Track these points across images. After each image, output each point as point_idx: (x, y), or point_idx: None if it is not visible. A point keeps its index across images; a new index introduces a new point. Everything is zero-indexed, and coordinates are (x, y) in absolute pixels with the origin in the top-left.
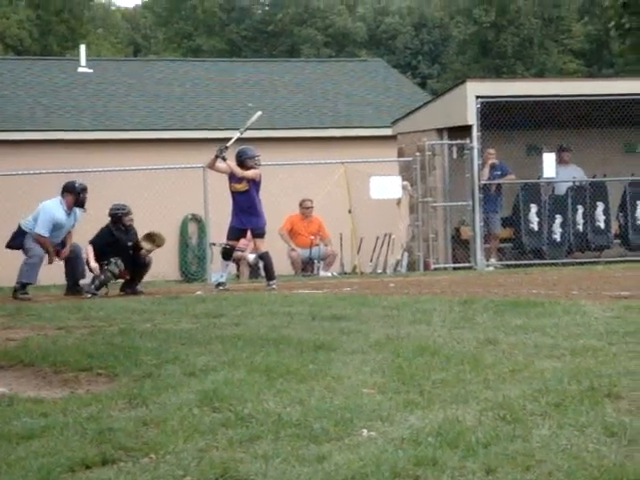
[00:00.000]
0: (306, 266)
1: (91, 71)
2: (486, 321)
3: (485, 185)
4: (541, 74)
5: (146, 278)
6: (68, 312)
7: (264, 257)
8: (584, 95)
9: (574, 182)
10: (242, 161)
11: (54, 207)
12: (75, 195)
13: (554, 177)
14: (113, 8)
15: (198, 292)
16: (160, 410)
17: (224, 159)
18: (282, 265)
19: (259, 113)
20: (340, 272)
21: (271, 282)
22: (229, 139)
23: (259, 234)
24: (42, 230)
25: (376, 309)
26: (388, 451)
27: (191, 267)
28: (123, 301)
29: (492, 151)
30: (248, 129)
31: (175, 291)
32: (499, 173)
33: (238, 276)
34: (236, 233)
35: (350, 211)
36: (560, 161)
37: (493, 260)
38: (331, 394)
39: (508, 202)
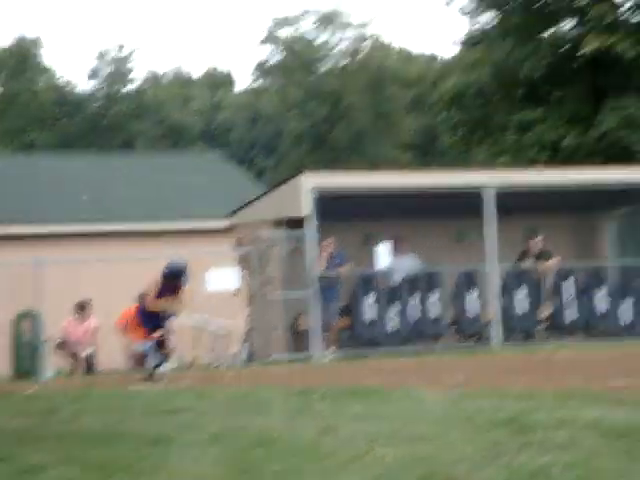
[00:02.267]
0: (143, 360)
1: None
2: (325, 409)
3: (322, 275)
4: (374, 166)
5: None
6: None
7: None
8: (416, 187)
9: (409, 272)
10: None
11: None
12: None
13: (388, 267)
14: None
15: (31, 390)
16: None
17: None
18: (119, 359)
19: None
20: (178, 365)
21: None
22: (62, 234)
23: None
24: None
25: (214, 401)
26: None
27: (24, 363)
28: None
29: (330, 240)
30: None
31: (6, 389)
32: (338, 261)
33: (72, 371)
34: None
35: None
36: (396, 250)
37: (332, 349)
38: None
39: (346, 291)
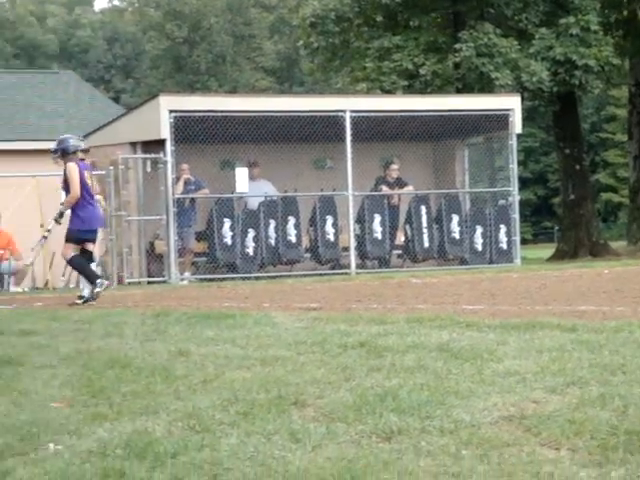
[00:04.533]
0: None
1: None
2: (178, 333)
3: (179, 199)
4: (234, 91)
5: None
6: None
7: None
8: (275, 111)
9: (266, 197)
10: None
11: None
12: None
13: (247, 192)
14: None
15: None
16: None
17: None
18: None
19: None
20: (31, 287)
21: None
22: None
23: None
24: None
25: (67, 323)
26: (75, 464)
27: None
28: None
29: (185, 166)
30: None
31: None
32: (193, 187)
33: None
34: None
35: (42, 225)
36: (250, 176)
37: (187, 274)
38: (17, 409)
39: (202, 216)
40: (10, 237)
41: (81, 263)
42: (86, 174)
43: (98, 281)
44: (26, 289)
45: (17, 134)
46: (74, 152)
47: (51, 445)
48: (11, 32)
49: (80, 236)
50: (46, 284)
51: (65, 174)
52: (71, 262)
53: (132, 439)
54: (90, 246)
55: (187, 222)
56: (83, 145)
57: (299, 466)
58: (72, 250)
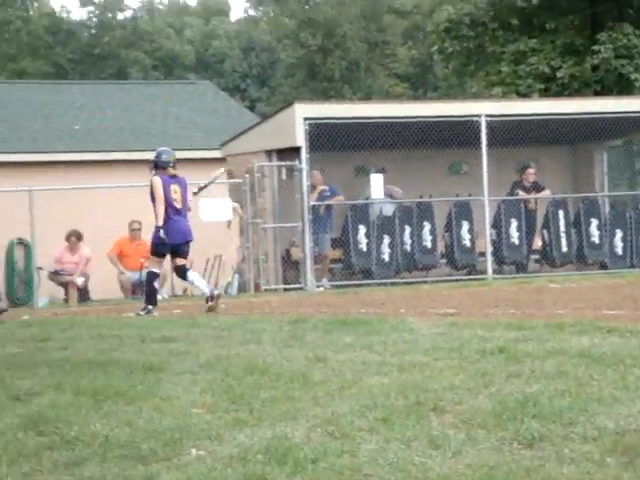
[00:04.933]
0: (135, 289)
1: None
2: (315, 339)
3: (314, 206)
4: (368, 97)
5: None
6: None
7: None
8: (409, 117)
9: (400, 203)
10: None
11: None
12: None
13: (382, 198)
14: None
15: (25, 316)
16: None
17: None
18: (112, 289)
19: (221, 170)
20: (170, 294)
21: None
22: (55, 162)
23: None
24: None
25: (206, 330)
26: (217, 469)
27: (18, 292)
28: None
29: (315, 173)
30: (208, 184)
31: (1, 316)
32: (328, 194)
33: (66, 300)
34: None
35: None
36: (389, 182)
37: (325, 280)
38: (160, 415)
39: (337, 223)
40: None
41: (151, 282)
42: (172, 188)
43: (150, 307)
44: (165, 296)
45: (155, 144)
46: (164, 167)
47: (193, 450)
48: (150, 44)
49: (159, 250)
50: (185, 291)
51: (151, 186)
52: (147, 275)
53: (272, 444)
54: (179, 261)
55: (323, 229)
56: (173, 160)
57: (439, 473)
58: (154, 263)
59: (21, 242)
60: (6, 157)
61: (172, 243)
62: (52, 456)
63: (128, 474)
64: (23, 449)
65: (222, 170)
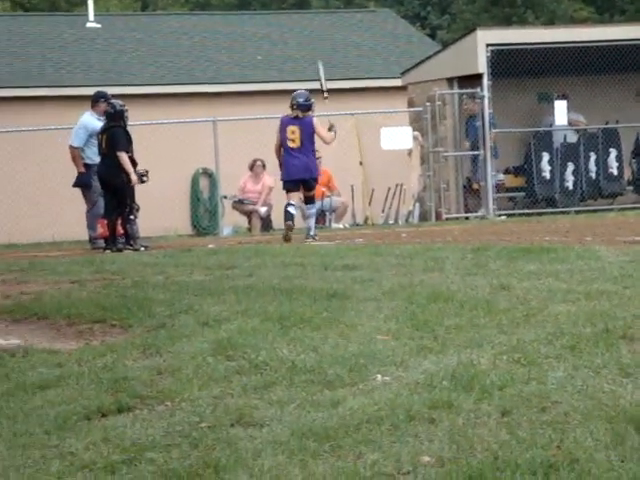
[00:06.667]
0: (317, 218)
1: (99, 26)
2: (499, 268)
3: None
4: (551, 22)
5: (159, 232)
6: (81, 266)
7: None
8: (593, 41)
9: (586, 129)
10: (310, 106)
11: (86, 118)
12: (106, 103)
13: (566, 125)
14: None
15: (210, 245)
16: (174, 359)
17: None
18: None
19: (320, 63)
20: (352, 224)
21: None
22: (238, 93)
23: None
24: (75, 141)
25: (388, 258)
26: (403, 395)
27: (203, 221)
28: (135, 255)
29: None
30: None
31: (187, 244)
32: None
33: (250, 229)
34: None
35: (361, 162)
36: (572, 108)
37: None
38: (345, 341)
39: (520, 150)
40: (330, 175)
41: (286, 211)
42: (290, 128)
43: (288, 222)
44: (347, 225)
45: (337, 73)
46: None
47: (379, 376)
48: None
49: (284, 187)
50: (366, 220)
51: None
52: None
53: (458, 371)
54: (304, 194)
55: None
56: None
57: (630, 400)
58: (289, 198)
59: (205, 172)
60: (190, 88)
61: (288, 179)
62: (241, 380)
63: (315, 399)
64: (213, 373)
65: (320, 65)
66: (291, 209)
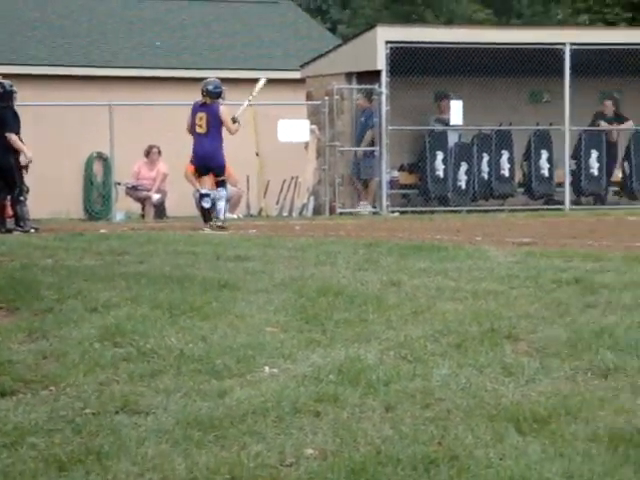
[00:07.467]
0: (210, 209)
1: None
2: (390, 264)
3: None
4: (450, 22)
5: (50, 215)
6: None
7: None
8: (492, 43)
9: (480, 130)
10: (219, 94)
11: None
12: None
13: (461, 124)
14: None
15: (102, 230)
16: (61, 344)
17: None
18: (188, 207)
19: (264, 80)
20: (246, 214)
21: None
22: (136, 78)
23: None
24: None
25: (281, 250)
26: (289, 387)
27: (95, 205)
28: (24, 237)
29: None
30: (254, 97)
31: (79, 228)
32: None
33: (143, 216)
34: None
35: (257, 154)
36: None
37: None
38: (234, 332)
39: (414, 148)
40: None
41: (201, 207)
42: (198, 114)
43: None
44: (240, 216)
45: (235, 64)
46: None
47: (266, 368)
48: None
49: (195, 171)
50: (260, 211)
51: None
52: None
53: (345, 366)
54: (214, 179)
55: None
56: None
57: (512, 399)
58: (200, 183)
59: (100, 156)
60: (90, 71)
61: (197, 164)
62: (128, 367)
63: (202, 388)
64: (100, 359)
65: (264, 81)
66: (205, 204)
